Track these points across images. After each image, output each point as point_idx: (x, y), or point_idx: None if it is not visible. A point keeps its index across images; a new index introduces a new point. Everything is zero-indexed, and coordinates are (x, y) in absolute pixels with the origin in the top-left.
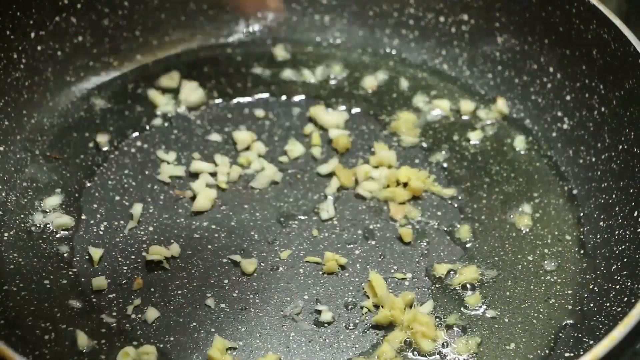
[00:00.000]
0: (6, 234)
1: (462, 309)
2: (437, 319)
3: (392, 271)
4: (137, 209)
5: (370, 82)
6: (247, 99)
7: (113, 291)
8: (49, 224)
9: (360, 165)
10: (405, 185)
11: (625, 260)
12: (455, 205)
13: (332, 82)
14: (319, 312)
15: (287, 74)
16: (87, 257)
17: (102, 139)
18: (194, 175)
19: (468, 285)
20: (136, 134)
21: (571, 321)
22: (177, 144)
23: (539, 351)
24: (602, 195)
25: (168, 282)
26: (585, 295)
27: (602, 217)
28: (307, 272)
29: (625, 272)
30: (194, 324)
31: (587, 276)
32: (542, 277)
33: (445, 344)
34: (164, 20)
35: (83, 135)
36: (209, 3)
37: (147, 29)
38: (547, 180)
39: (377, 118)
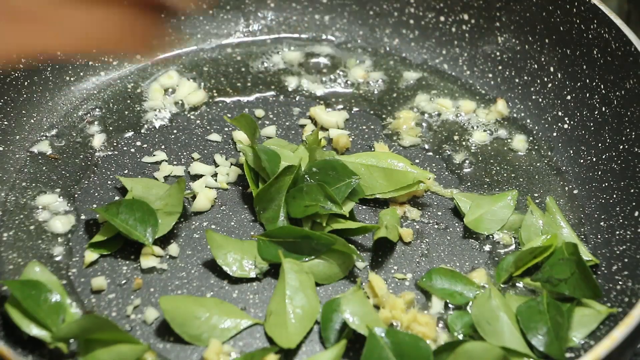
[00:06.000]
0: (5, 234)
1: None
2: (442, 320)
3: (392, 271)
4: None
5: (360, 73)
6: (247, 99)
7: (113, 291)
8: (48, 224)
9: None
10: None
11: (625, 260)
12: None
13: (333, 81)
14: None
15: (287, 73)
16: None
17: (102, 138)
18: (194, 176)
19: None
20: (136, 133)
21: None
22: (177, 144)
23: None
24: (603, 195)
25: (168, 282)
26: None
27: (602, 217)
28: None
29: (625, 272)
30: None
31: None
32: None
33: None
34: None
35: (82, 135)
36: (209, 3)
37: None
38: (548, 180)
39: (377, 118)
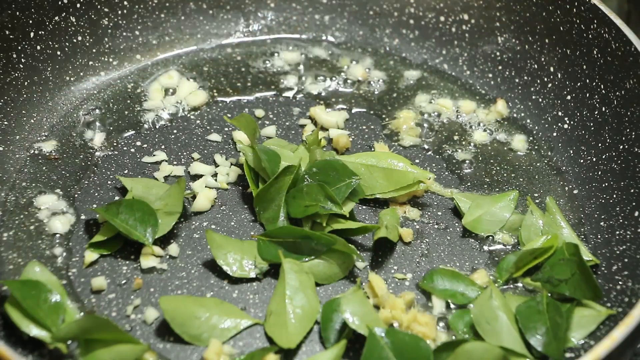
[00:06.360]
0: (5, 234)
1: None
2: (442, 320)
3: (392, 271)
4: None
5: (360, 73)
6: (247, 99)
7: (112, 291)
8: (48, 224)
9: None
10: None
11: (625, 260)
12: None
13: (333, 81)
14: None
15: (287, 73)
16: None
17: (102, 138)
18: (194, 176)
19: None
20: (136, 133)
21: None
22: (177, 144)
23: None
24: (603, 195)
25: (168, 282)
26: None
27: (602, 217)
28: None
29: (625, 272)
30: None
31: None
32: None
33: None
34: (163, 20)
35: (82, 135)
36: (209, 3)
37: (147, 29)
38: (548, 181)
39: (377, 118)
